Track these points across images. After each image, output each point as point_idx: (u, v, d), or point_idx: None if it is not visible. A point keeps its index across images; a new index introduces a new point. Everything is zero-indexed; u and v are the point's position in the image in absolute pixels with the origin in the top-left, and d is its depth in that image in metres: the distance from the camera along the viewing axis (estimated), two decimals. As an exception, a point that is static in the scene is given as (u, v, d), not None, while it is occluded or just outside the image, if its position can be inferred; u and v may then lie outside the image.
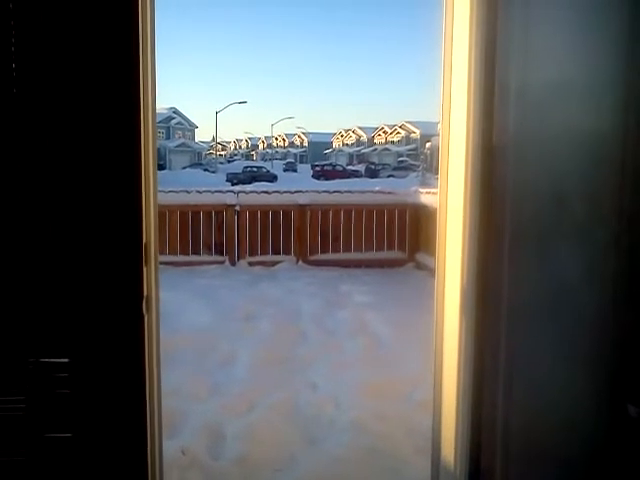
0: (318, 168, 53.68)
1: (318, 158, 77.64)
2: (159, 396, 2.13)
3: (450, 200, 2.29)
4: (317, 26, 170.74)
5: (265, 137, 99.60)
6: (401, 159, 65.62)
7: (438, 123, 2.38)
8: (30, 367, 1.90)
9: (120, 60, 1.85)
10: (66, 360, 1.92)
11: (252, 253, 8.89)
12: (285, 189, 9.70)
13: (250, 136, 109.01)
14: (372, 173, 52.45)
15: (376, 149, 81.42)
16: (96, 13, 1.82)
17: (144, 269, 1.96)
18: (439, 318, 2.38)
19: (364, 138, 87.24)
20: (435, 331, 2.41)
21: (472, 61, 2.11)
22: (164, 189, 9.19)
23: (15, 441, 1.91)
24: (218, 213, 8.90)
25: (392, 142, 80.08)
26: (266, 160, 78.89)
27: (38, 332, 1.90)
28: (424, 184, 21.42)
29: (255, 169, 50.94)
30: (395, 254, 9.03)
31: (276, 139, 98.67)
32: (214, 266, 8.60)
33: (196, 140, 78.67)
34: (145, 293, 1.97)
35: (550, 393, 1.81)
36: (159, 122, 65.01)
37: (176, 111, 70.86)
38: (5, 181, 1.84)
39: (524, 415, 1.96)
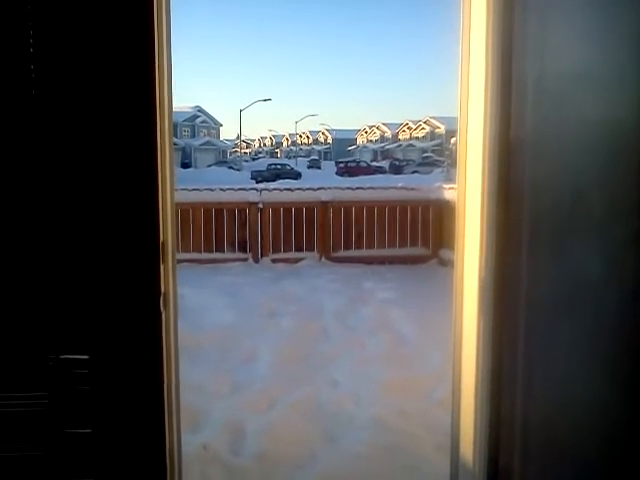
0: (342, 165, 53.61)
1: (342, 155, 77.54)
2: (177, 391, 2.15)
3: (468, 196, 2.27)
4: (340, 23, 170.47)
5: (289, 134, 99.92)
6: (426, 155, 65.23)
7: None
8: (51, 364, 1.94)
9: (136, 61, 1.87)
10: (86, 357, 1.96)
11: (275, 250, 8.92)
12: (308, 186, 9.71)
13: (274, 134, 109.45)
14: (396, 169, 52.27)
15: (400, 145, 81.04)
16: (111, 14, 1.84)
17: (161, 266, 1.98)
18: (458, 315, 2.37)
19: (388, 134, 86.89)
20: (454, 328, 2.40)
21: (489, 56, 2.08)
22: (188, 187, 9.29)
23: (36, 436, 1.95)
24: (241, 211, 8.96)
25: (417, 138, 79.64)
26: (290, 157, 79.11)
27: (58, 329, 1.93)
28: (448, 180, 21.24)
29: (279, 166, 51.11)
30: (419, 250, 8.98)
31: (300, 136, 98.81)
32: (237, 263, 8.66)
33: (221, 138, 79.20)
34: (162, 290, 1.99)
35: (569, 391, 1.79)
36: (184, 121, 65.67)
37: (201, 109, 71.39)
38: (25, 181, 1.88)
39: (543, 413, 1.94)
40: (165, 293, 2.02)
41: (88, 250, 1.92)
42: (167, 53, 2.04)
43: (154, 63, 1.91)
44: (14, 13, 1.81)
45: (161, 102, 1.98)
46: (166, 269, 2.03)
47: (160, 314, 1.98)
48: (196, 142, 66.25)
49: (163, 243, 2.00)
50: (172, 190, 2.09)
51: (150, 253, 1.95)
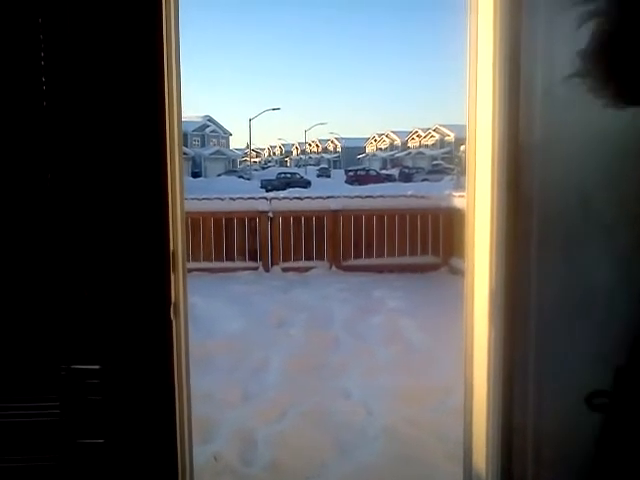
0: (352, 173, 53.64)
1: (352, 163, 77.55)
2: (189, 401, 2.15)
3: (478, 203, 2.26)
4: (349, 31, 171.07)
5: (299, 143, 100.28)
6: (435, 162, 65.15)
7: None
8: (63, 373, 1.94)
9: (145, 71, 1.89)
10: (97, 367, 1.96)
11: (285, 259, 8.93)
12: (317, 195, 9.73)
13: (284, 142, 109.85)
14: (406, 177, 52.22)
15: (410, 153, 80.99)
16: (120, 25, 1.86)
17: (172, 276, 1.99)
18: (468, 323, 2.35)
19: (398, 142, 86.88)
20: (465, 336, 2.38)
21: (497, 62, 2.08)
22: (198, 196, 9.33)
23: (48, 446, 1.95)
24: (251, 220, 8.98)
25: (426, 146, 79.59)
26: (300, 166, 79.29)
27: (70, 339, 1.94)
28: (459, 187, 21.17)
29: (289, 175, 51.21)
30: (429, 259, 8.96)
31: (309, 145, 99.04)
32: (248, 272, 8.67)
33: (230, 147, 79.50)
34: (173, 299, 2.00)
35: (582, 397, 1.77)
36: (194, 130, 66.03)
37: (210, 119, 71.73)
38: (37, 192, 1.89)
39: (555, 420, 1.92)
40: (176, 302, 2.02)
41: (99, 260, 1.92)
42: (176, 63, 2.06)
43: (163, 74, 1.93)
44: (25, 26, 1.83)
45: (170, 111, 1.99)
46: (177, 278, 2.04)
47: (171, 323, 1.98)
48: (206, 152, 66.51)
49: (173, 252, 2.00)
50: (182, 199, 2.10)
51: (160, 262, 1.95)
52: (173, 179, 2.00)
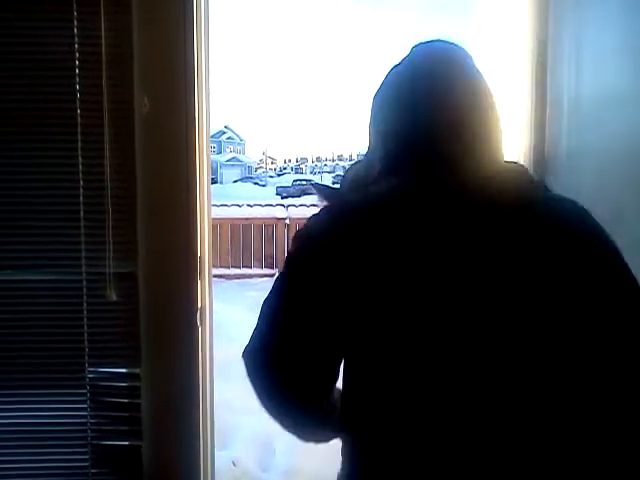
0: (367, 181, 53.38)
1: (367, 171, 77.21)
2: (212, 406, 2.16)
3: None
4: (360, 42, 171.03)
5: (314, 149, 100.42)
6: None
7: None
8: (90, 376, 1.97)
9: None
10: (124, 370, 1.98)
11: (302, 266, 8.93)
12: (334, 202, 9.74)
13: (299, 149, 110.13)
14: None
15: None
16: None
17: (198, 282, 2.01)
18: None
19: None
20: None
21: (525, 69, 2.08)
22: (216, 203, 9.40)
23: (75, 449, 1.97)
24: (268, 226, 9.02)
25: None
26: (315, 173, 79.45)
27: (98, 342, 1.96)
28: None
29: (304, 182, 51.22)
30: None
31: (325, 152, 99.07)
32: (265, 279, 8.69)
33: (246, 154, 79.91)
34: (199, 305, 2.02)
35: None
36: (210, 137, 66.49)
37: (227, 126, 72.24)
38: None
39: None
40: (202, 308, 2.04)
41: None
42: (205, 70, 2.08)
43: (193, 81, 1.95)
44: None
45: (200, 116, 2.01)
46: (203, 284, 2.05)
47: (197, 329, 2.00)
48: (222, 158, 66.85)
49: (200, 259, 2.02)
50: (209, 206, 2.12)
51: (188, 268, 1.97)
52: (201, 185, 2.02)
